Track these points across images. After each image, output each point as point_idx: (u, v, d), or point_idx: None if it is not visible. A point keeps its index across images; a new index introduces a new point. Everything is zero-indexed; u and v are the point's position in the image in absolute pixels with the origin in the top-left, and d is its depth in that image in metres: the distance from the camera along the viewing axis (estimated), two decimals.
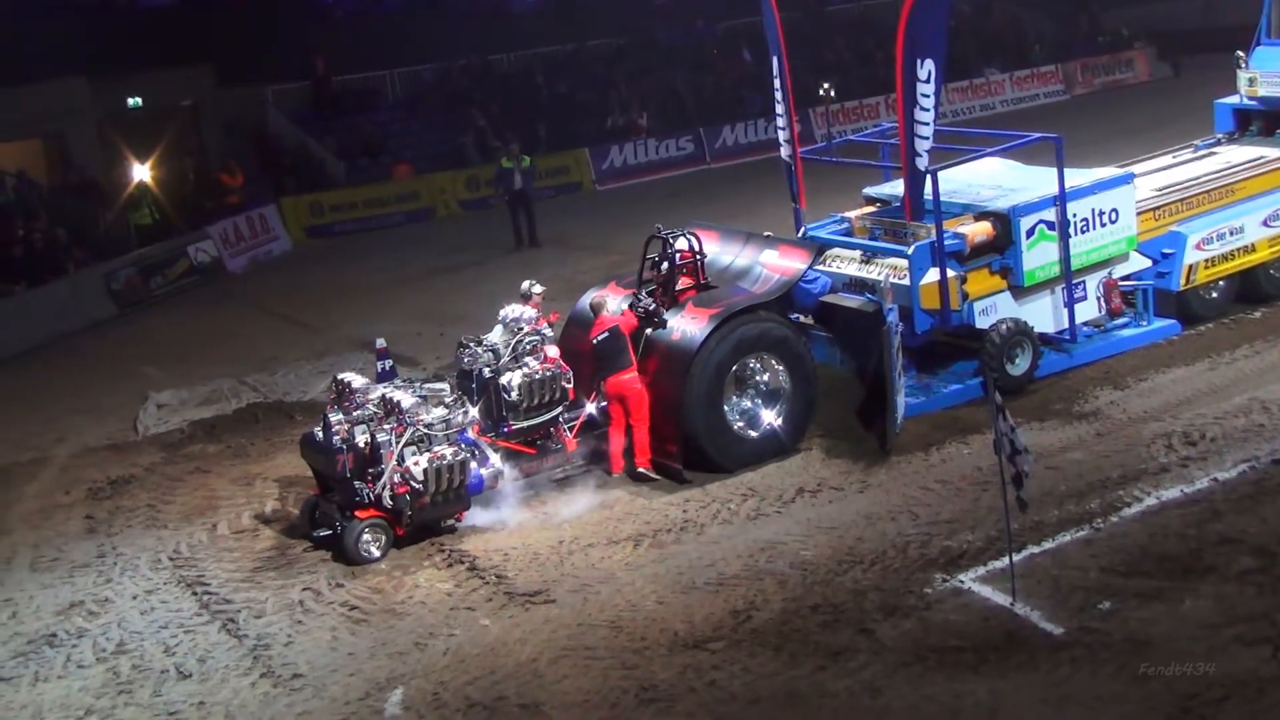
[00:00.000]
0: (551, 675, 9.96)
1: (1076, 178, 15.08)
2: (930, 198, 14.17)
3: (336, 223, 29.10)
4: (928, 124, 13.74)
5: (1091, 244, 14.84)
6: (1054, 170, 14.70)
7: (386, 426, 12.35)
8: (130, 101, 30.29)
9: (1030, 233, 14.39)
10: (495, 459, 12.93)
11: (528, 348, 13.46)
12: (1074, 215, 14.61)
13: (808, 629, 10.18)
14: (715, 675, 9.71)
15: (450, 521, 12.57)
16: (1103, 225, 14.89)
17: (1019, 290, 14.55)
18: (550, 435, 13.48)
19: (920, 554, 11.18)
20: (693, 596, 10.92)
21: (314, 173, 30.29)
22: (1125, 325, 15.65)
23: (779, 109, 16.15)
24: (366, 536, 12.13)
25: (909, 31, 13.59)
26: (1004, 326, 14.28)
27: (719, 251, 14.50)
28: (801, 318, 14.63)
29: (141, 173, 26.68)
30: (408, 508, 12.15)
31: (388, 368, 13.35)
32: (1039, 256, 14.49)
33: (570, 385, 13.46)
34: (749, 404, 13.66)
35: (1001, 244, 14.51)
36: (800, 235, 15.73)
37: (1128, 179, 15.36)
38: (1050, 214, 14.47)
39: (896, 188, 15.09)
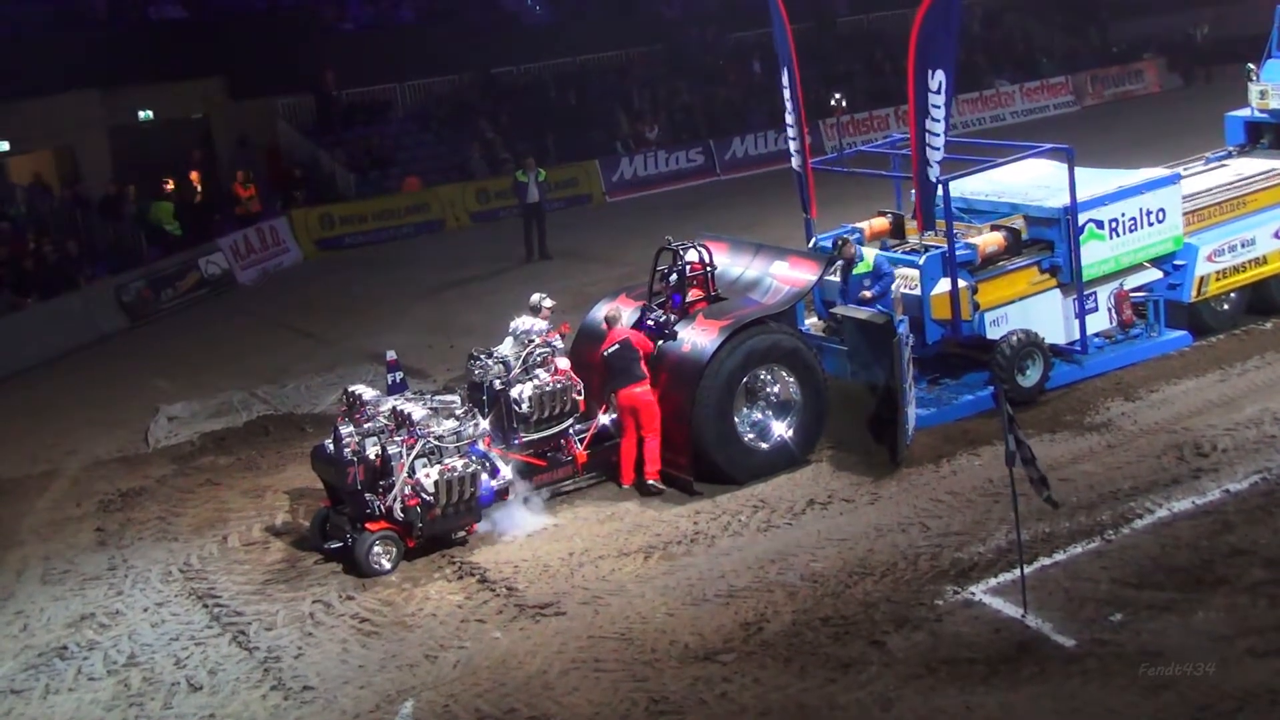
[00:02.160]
0: (562, 687, 9.95)
1: (1124, 178, 15.40)
2: (951, 208, 14.36)
3: (347, 235, 29.13)
4: (939, 134, 13.77)
5: (1140, 243, 15.12)
6: (1101, 171, 15.13)
7: (397, 439, 12.37)
8: (141, 114, 30.36)
9: (1080, 231, 14.59)
10: (506, 471, 12.93)
11: (538, 360, 13.49)
12: (1122, 214, 14.93)
13: (818, 641, 10.17)
14: (726, 687, 9.70)
15: (461, 534, 12.57)
16: (1150, 225, 15.17)
17: (1067, 288, 14.77)
18: (561, 447, 13.48)
19: (931, 566, 11.17)
20: (703, 608, 10.91)
21: (324, 185, 30.33)
22: (1136, 336, 15.66)
23: (790, 120, 16.17)
24: (377, 549, 12.13)
25: (920, 42, 13.61)
26: (1015, 338, 14.30)
27: (729, 263, 14.52)
28: (829, 314, 14.83)
29: (154, 185, 26.72)
30: (418, 520, 12.15)
31: (398, 380, 13.38)
32: (1088, 255, 14.73)
33: (581, 397, 13.49)
34: (759, 416, 13.65)
35: (1014, 254, 14.70)
36: (811, 246, 15.74)
37: (1174, 179, 15.62)
38: (1099, 213, 14.76)
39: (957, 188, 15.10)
